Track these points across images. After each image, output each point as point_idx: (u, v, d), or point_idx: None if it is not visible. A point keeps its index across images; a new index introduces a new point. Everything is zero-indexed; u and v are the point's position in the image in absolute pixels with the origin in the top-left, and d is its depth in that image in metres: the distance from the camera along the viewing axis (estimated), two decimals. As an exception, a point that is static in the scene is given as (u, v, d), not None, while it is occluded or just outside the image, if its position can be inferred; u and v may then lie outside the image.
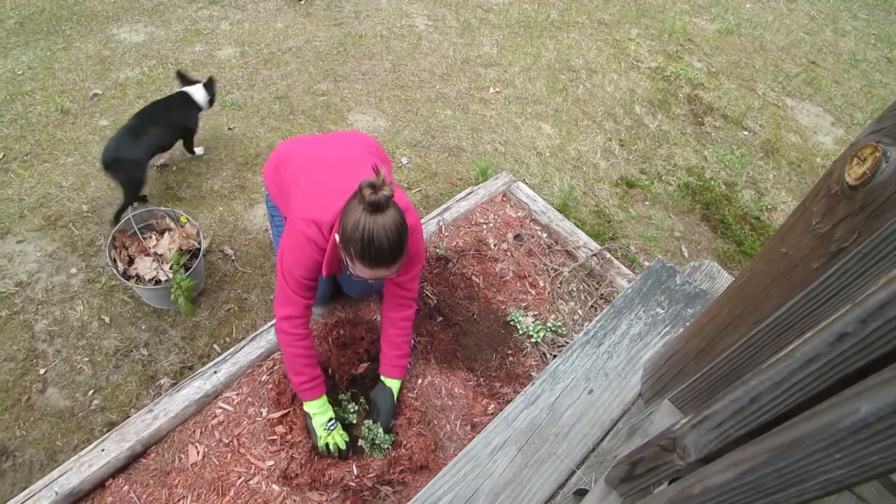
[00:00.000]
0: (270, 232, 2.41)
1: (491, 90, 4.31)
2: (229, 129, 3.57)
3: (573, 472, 1.71)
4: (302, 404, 2.11)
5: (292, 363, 1.96)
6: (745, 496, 0.73)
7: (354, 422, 2.21)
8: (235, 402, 2.18)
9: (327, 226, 1.73)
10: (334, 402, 2.23)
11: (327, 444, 2.05)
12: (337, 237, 1.67)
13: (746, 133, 4.43)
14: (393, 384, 2.17)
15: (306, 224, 1.72)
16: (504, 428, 1.79)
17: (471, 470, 1.70)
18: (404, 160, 3.59)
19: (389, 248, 1.58)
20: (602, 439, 1.80)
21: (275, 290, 1.93)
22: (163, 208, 2.64)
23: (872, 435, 0.56)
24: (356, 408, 2.23)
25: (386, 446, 2.15)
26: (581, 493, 1.59)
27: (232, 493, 1.97)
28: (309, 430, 2.10)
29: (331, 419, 2.05)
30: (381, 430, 2.15)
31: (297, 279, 1.82)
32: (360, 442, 2.13)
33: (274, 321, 2.16)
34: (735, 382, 0.95)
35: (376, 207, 1.53)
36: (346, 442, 2.08)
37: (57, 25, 4.18)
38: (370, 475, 2.04)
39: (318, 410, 2.03)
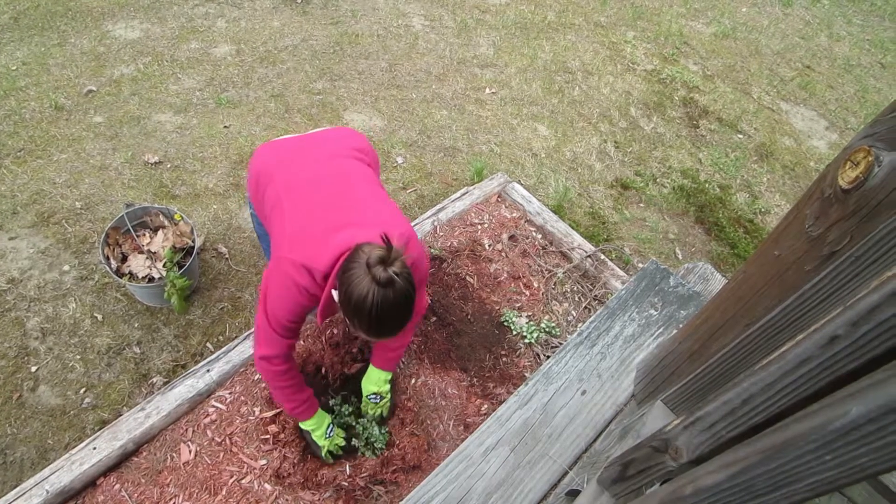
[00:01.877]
0: (265, 255, 2.27)
1: (487, 91, 4.32)
2: (225, 127, 3.56)
3: (566, 473, 1.71)
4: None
5: (280, 395, 1.86)
6: (736, 497, 0.73)
7: (354, 423, 2.20)
8: (228, 400, 2.18)
9: (321, 274, 1.57)
10: (327, 410, 2.23)
11: (331, 452, 2.05)
12: (335, 294, 1.55)
13: (741, 136, 4.45)
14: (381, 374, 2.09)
15: (296, 270, 1.56)
16: (497, 428, 1.79)
17: (463, 470, 1.70)
18: (399, 160, 3.58)
19: (398, 323, 1.52)
20: (595, 440, 1.80)
21: (255, 326, 1.78)
22: (157, 206, 2.63)
23: (863, 437, 0.56)
24: (350, 409, 2.23)
25: (380, 445, 2.15)
26: (573, 493, 1.59)
27: (224, 492, 1.96)
28: (308, 442, 2.10)
29: (329, 425, 2.04)
30: (375, 428, 2.16)
31: (282, 322, 1.68)
32: (354, 441, 2.13)
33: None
34: (727, 384, 0.95)
35: (386, 284, 1.42)
36: (343, 437, 2.09)
37: (52, 21, 4.16)
38: (363, 475, 2.03)
39: (315, 425, 1.99)
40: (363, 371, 2.32)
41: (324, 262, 1.55)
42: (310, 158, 1.82)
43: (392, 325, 1.51)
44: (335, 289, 1.53)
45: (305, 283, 1.58)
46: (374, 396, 2.10)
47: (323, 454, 2.06)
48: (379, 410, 2.17)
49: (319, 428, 2.01)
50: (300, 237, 1.61)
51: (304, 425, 1.99)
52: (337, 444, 2.07)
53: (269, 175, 1.78)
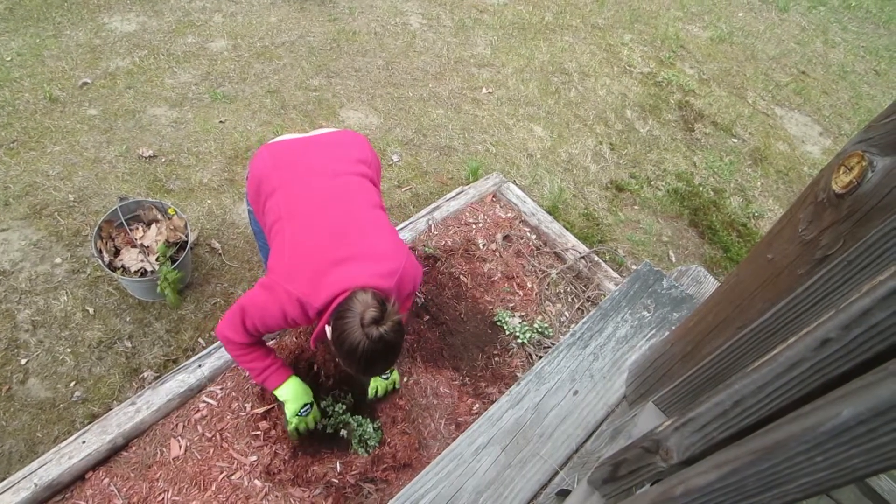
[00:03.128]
0: (259, 252, 2.25)
1: (483, 90, 4.32)
2: (220, 122, 3.55)
3: (556, 473, 1.72)
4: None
5: (243, 363, 1.89)
6: (727, 497, 0.74)
7: (349, 420, 2.20)
8: (219, 396, 2.17)
9: (315, 310, 1.64)
10: (321, 411, 2.23)
11: (297, 429, 2.03)
12: (328, 331, 1.63)
13: (736, 140, 4.47)
14: None
15: (290, 302, 1.63)
16: (488, 427, 1.79)
17: (454, 468, 1.70)
18: (395, 158, 3.58)
19: (386, 367, 1.64)
20: (586, 440, 1.81)
21: (227, 312, 1.80)
22: (150, 200, 2.62)
23: (853, 438, 0.57)
24: (343, 407, 2.23)
25: (373, 443, 2.14)
26: (564, 493, 1.60)
27: (214, 488, 1.96)
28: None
29: (305, 405, 2.01)
30: (370, 426, 2.15)
31: (257, 329, 1.75)
32: (343, 431, 2.13)
33: None
34: (719, 386, 0.96)
35: (378, 341, 1.53)
36: (318, 423, 2.09)
37: (47, 12, 4.13)
38: (353, 472, 2.03)
39: (289, 396, 1.98)
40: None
41: (320, 300, 1.62)
42: (314, 173, 1.81)
43: (380, 369, 1.65)
44: (328, 325, 1.62)
45: (294, 315, 1.66)
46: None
47: (289, 429, 2.03)
48: (390, 385, 2.21)
49: (293, 402, 1.99)
50: (300, 269, 1.66)
51: (276, 394, 1.98)
52: (306, 424, 2.04)
53: (271, 185, 1.79)
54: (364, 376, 1.76)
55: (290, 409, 2.00)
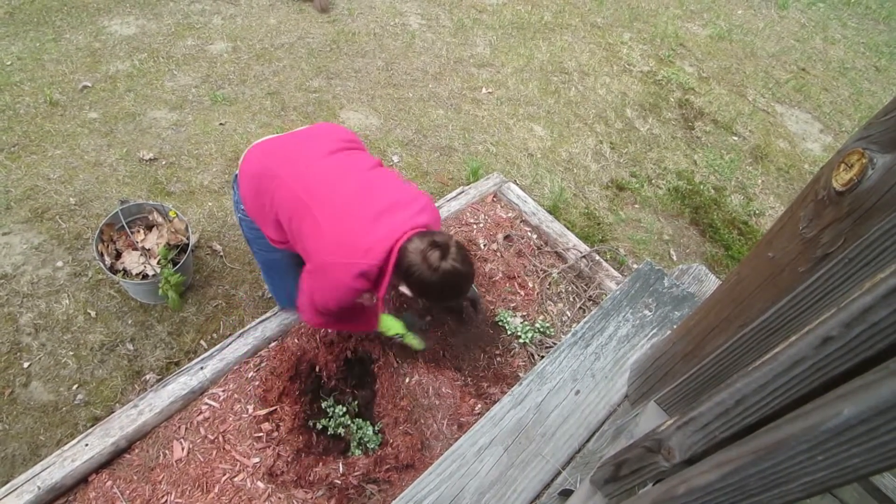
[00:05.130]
0: (255, 257, 2.32)
1: (483, 90, 4.32)
2: (220, 124, 3.55)
3: (559, 473, 1.71)
4: (289, 403, 2.13)
5: (339, 329, 2.14)
6: (729, 497, 0.74)
7: (349, 423, 2.20)
8: (221, 398, 2.17)
9: (375, 269, 1.71)
10: (318, 411, 2.25)
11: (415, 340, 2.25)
12: (406, 290, 1.80)
13: (736, 138, 4.47)
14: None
15: (350, 274, 1.69)
16: (491, 427, 1.79)
17: (457, 469, 1.70)
18: (395, 159, 3.58)
19: (471, 279, 1.79)
20: (588, 440, 1.80)
21: (299, 304, 1.94)
22: (151, 202, 2.62)
23: (855, 437, 0.57)
24: (344, 409, 2.23)
25: (373, 446, 2.15)
26: (566, 493, 1.60)
27: (216, 490, 1.96)
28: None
29: (397, 334, 2.20)
30: (369, 429, 2.16)
31: (334, 309, 1.85)
32: (340, 430, 2.15)
33: (265, 316, 2.33)
34: (721, 385, 0.95)
35: (453, 272, 1.67)
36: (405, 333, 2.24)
37: (47, 16, 4.14)
38: (356, 473, 2.03)
39: (388, 328, 2.18)
40: (357, 367, 2.35)
41: (376, 258, 1.69)
42: (312, 155, 1.86)
43: (468, 287, 1.81)
44: (403, 286, 1.79)
45: (359, 285, 1.72)
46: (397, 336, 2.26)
47: (416, 345, 2.26)
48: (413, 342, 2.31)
49: (391, 329, 2.18)
50: (344, 240, 1.71)
51: (382, 332, 2.19)
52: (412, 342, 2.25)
53: (275, 178, 1.82)
54: (459, 300, 1.97)
55: (408, 337, 2.23)
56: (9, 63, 3.68)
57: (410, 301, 2.42)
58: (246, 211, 2.01)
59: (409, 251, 1.68)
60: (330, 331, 2.34)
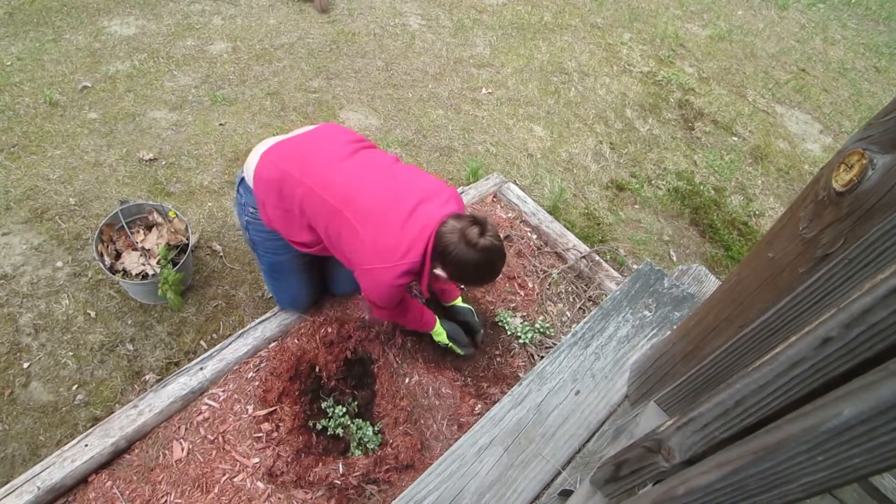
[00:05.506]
0: (258, 259, 2.34)
1: (483, 91, 4.32)
2: (220, 124, 3.55)
3: (559, 473, 1.71)
4: (289, 403, 2.13)
5: (403, 322, 2.22)
6: (728, 497, 0.74)
7: (349, 424, 2.21)
8: (221, 398, 2.17)
9: (418, 263, 1.78)
10: (318, 412, 2.25)
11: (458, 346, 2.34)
12: (442, 273, 1.83)
13: (736, 139, 4.47)
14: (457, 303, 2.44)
15: (397, 274, 1.77)
16: (491, 428, 1.79)
17: (457, 469, 1.70)
18: (396, 159, 3.58)
19: (504, 259, 1.83)
20: (588, 440, 1.80)
21: (367, 303, 2.07)
22: (151, 203, 2.62)
23: (855, 437, 0.57)
24: (344, 410, 2.23)
25: (372, 446, 2.15)
26: (566, 493, 1.60)
27: (216, 490, 1.96)
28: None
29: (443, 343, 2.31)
30: (369, 429, 2.16)
31: (394, 303, 1.97)
32: (339, 430, 2.15)
33: (265, 317, 2.37)
34: (720, 385, 0.95)
35: (492, 247, 1.73)
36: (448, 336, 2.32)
37: (47, 16, 4.14)
38: (356, 473, 2.03)
39: (439, 333, 2.29)
40: (358, 367, 2.35)
41: (417, 253, 1.76)
42: (330, 159, 1.89)
43: (499, 271, 1.85)
44: (439, 270, 1.83)
45: (407, 280, 1.82)
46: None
47: (462, 351, 2.36)
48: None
49: (439, 336, 2.29)
50: (384, 241, 1.77)
51: (436, 337, 2.30)
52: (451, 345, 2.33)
53: (299, 184, 1.86)
54: (493, 281, 1.97)
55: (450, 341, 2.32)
56: (8, 63, 3.68)
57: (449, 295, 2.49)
58: (258, 215, 2.02)
59: (445, 233, 1.73)
60: (388, 323, 2.46)
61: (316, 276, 2.37)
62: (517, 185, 3.30)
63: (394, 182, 1.85)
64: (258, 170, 1.92)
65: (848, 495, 1.64)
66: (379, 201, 1.79)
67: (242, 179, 2.03)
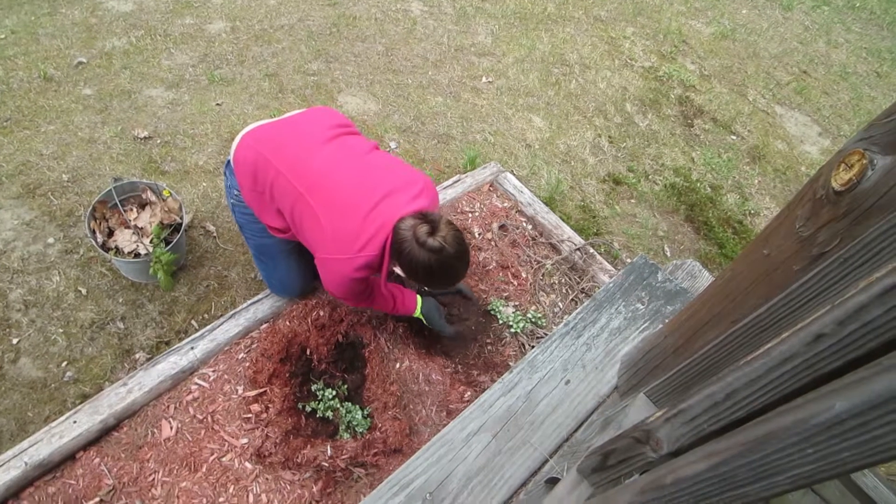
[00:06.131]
0: (247, 243, 2.33)
1: (483, 79, 4.30)
2: (217, 104, 3.52)
3: (546, 461, 1.72)
4: (279, 385, 2.13)
5: (376, 306, 2.15)
6: (716, 487, 0.74)
7: (338, 407, 2.21)
8: (211, 378, 2.17)
9: (377, 258, 1.76)
10: (308, 394, 2.25)
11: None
12: (399, 271, 1.81)
13: (734, 138, 4.47)
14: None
15: (355, 266, 1.75)
16: (480, 414, 1.80)
17: (445, 454, 1.70)
18: (393, 145, 3.56)
19: (465, 263, 1.78)
20: (576, 430, 1.81)
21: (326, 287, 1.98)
22: (145, 181, 2.60)
23: (845, 432, 0.57)
24: (333, 392, 2.24)
25: (361, 430, 2.15)
26: (553, 481, 1.61)
27: (204, 470, 1.96)
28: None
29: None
30: (360, 413, 2.17)
31: (360, 295, 1.95)
32: (329, 413, 2.15)
33: (257, 298, 2.37)
34: (711, 378, 0.96)
35: (441, 249, 1.66)
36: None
37: (43, -12, 4.08)
38: (344, 456, 2.04)
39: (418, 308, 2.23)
40: (349, 351, 2.35)
41: (375, 248, 1.73)
42: (307, 144, 1.87)
43: (462, 271, 1.80)
44: (395, 267, 1.80)
45: (366, 273, 1.80)
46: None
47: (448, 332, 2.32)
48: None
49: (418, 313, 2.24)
50: (344, 232, 1.74)
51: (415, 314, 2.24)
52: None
53: (272, 169, 1.84)
54: (452, 286, 1.94)
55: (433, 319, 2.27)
56: (2, 37, 3.63)
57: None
58: (241, 197, 2.01)
59: (401, 229, 1.70)
60: (336, 308, 2.40)
61: (305, 262, 2.36)
62: (514, 175, 3.29)
63: (366, 171, 1.81)
64: (237, 152, 1.94)
65: (829, 492, 1.65)
66: (346, 190, 1.76)
67: (229, 161, 2.02)
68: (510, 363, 2.42)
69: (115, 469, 1.92)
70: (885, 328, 0.65)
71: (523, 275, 2.75)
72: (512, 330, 2.51)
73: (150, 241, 2.43)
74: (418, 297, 2.23)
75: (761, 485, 0.67)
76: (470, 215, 2.95)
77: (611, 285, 2.24)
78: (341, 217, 1.74)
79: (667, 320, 2.07)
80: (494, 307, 2.57)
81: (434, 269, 1.70)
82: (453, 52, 4.47)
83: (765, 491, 0.67)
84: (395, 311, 2.18)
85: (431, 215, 1.71)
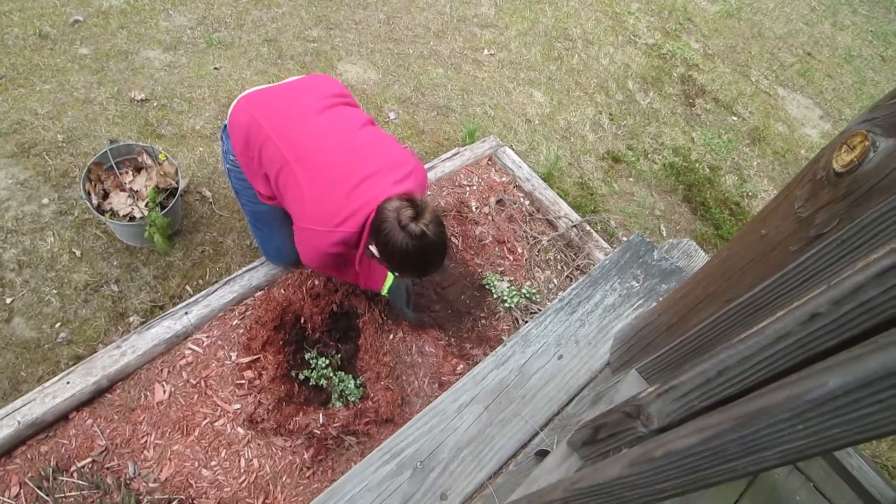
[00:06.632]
0: (241, 208, 2.31)
1: (485, 52, 4.24)
2: (215, 68, 3.47)
3: (536, 434, 1.74)
4: (272, 353, 2.14)
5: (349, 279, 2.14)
6: (706, 461, 0.75)
7: (331, 376, 2.22)
8: (205, 344, 2.18)
9: (355, 235, 1.73)
10: (301, 362, 2.26)
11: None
12: (374, 251, 1.75)
13: (735, 118, 4.45)
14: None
15: (332, 240, 1.72)
16: (472, 386, 1.81)
17: (436, 424, 1.72)
18: (392, 115, 3.53)
19: (441, 255, 1.75)
20: (567, 404, 1.83)
21: (299, 255, 1.96)
22: (141, 144, 2.57)
23: (837, 408, 0.58)
24: (327, 361, 2.25)
25: (353, 399, 2.17)
26: (542, 453, 1.63)
27: (196, 434, 1.98)
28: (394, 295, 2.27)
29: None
30: (352, 382, 2.18)
31: (332, 266, 1.96)
32: (322, 381, 2.17)
33: (252, 265, 2.37)
34: (705, 355, 0.96)
35: (422, 236, 1.63)
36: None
37: (38, -57, 3.97)
38: (335, 424, 2.06)
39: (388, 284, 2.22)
40: (343, 321, 2.35)
41: (355, 225, 1.70)
42: (301, 112, 1.84)
43: (438, 263, 1.76)
44: (371, 245, 1.74)
45: (342, 250, 1.77)
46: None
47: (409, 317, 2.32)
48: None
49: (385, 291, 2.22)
50: (324, 205, 1.71)
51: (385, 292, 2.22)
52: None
53: (262, 134, 1.81)
54: (425, 276, 1.89)
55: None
56: (-3, -10, 3.55)
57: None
58: (236, 162, 2.00)
59: (384, 209, 1.67)
60: (331, 278, 2.39)
61: None
62: (513, 149, 3.27)
63: (356, 146, 1.79)
64: (232, 115, 1.91)
65: (814, 471, 1.68)
66: (332, 163, 1.73)
67: (226, 126, 2.00)
68: (503, 337, 2.44)
69: (108, 430, 1.94)
70: (880, 308, 0.65)
71: (519, 250, 2.75)
72: (506, 305, 2.52)
73: (146, 205, 2.41)
74: (389, 275, 2.21)
75: (750, 459, 0.68)
76: (468, 189, 2.94)
77: (606, 262, 2.24)
78: (324, 189, 1.71)
79: (661, 298, 2.08)
80: (489, 282, 2.57)
81: (410, 255, 1.67)
82: (455, 23, 4.41)
83: (753, 465, 0.68)
84: (364, 285, 2.16)
85: (419, 200, 1.68)
